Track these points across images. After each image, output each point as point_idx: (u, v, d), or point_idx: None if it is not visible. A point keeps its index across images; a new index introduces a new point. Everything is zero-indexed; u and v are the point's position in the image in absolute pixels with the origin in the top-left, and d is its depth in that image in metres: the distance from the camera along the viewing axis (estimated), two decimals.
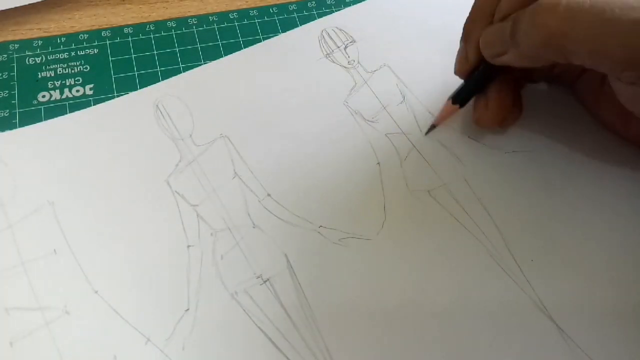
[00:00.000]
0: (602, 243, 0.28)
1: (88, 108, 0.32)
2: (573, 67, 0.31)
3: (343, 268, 0.27)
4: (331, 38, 0.36)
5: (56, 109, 0.32)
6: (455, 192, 0.30)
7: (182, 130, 0.31)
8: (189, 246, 0.27)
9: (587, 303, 0.27)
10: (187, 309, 0.26)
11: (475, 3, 0.30)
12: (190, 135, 0.31)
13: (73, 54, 0.35)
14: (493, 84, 0.30)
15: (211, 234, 0.28)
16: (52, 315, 0.25)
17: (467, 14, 0.30)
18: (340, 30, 0.36)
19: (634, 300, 0.27)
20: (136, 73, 0.34)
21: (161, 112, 0.32)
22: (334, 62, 0.35)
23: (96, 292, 0.26)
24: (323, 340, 0.25)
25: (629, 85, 0.25)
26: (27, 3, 0.36)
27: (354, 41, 0.36)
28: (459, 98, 0.31)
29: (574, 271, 0.28)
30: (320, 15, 0.37)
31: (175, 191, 0.29)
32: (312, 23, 0.37)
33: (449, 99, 0.31)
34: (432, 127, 0.32)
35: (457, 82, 0.31)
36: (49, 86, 0.33)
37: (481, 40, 0.29)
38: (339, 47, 0.35)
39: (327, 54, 0.35)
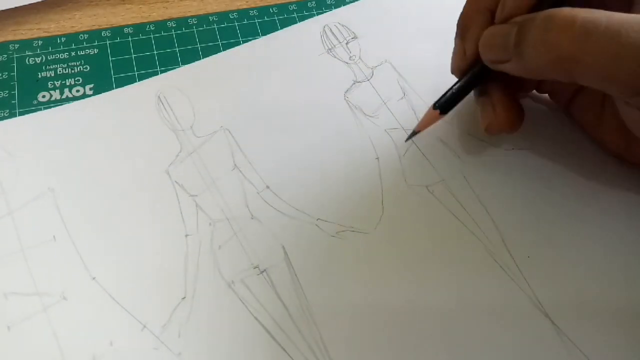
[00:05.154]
0: (598, 240, 0.28)
1: (90, 97, 0.32)
2: (567, 85, 0.30)
3: (340, 261, 0.27)
4: (333, 33, 0.36)
5: None
6: (453, 188, 0.30)
7: (182, 122, 0.31)
8: (187, 235, 0.28)
9: (582, 300, 0.27)
10: (184, 297, 0.26)
11: None
12: (191, 127, 0.31)
13: (73, 54, 0.35)
14: (494, 88, 0.28)
15: (209, 224, 0.28)
16: (49, 301, 0.25)
17: None
18: (343, 25, 0.36)
19: (629, 297, 0.27)
20: (136, 73, 0.34)
21: (162, 103, 0.32)
22: (335, 58, 0.35)
23: (94, 278, 0.26)
24: (318, 330, 0.25)
25: (637, 109, 0.24)
26: (27, 3, 0.36)
27: (355, 37, 0.36)
28: (442, 105, 0.29)
29: (570, 268, 0.28)
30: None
31: (175, 181, 0.29)
32: (314, 18, 0.37)
33: (432, 105, 0.29)
34: (414, 133, 0.30)
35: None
36: (49, 86, 0.33)
37: (481, 42, 0.27)
38: (340, 42, 0.35)
39: (329, 49, 0.35)
